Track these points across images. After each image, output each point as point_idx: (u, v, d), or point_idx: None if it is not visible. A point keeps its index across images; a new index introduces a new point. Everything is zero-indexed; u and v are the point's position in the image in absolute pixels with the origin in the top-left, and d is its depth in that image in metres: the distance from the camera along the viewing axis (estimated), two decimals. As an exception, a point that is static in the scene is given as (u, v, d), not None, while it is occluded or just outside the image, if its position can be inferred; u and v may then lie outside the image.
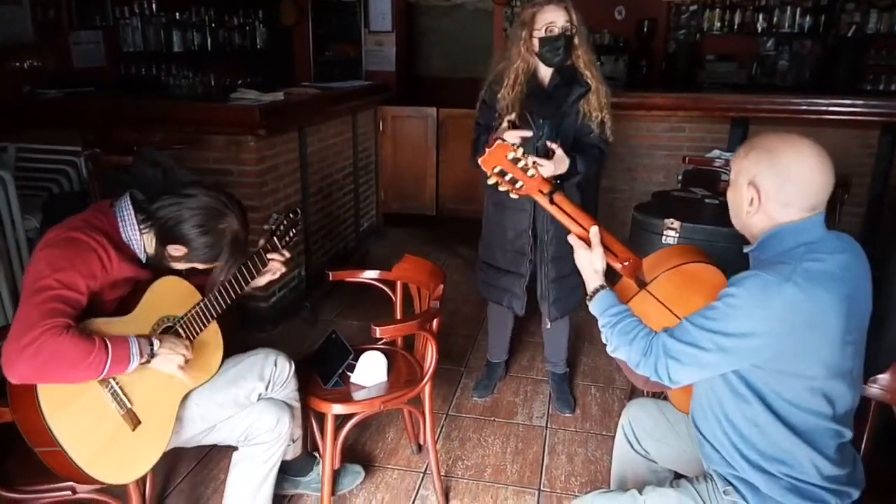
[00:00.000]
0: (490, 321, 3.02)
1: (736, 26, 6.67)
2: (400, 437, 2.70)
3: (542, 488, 2.43)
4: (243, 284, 1.91)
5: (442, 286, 2.20)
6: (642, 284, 1.61)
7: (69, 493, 1.70)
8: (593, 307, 1.59)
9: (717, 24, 6.69)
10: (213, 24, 5.68)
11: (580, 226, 1.61)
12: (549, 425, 2.81)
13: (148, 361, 1.65)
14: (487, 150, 1.57)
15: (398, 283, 2.43)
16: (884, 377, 1.68)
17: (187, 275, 1.84)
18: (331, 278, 2.45)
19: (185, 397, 1.82)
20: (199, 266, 1.80)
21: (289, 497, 2.32)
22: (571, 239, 1.61)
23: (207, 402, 1.87)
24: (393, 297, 2.44)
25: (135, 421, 1.67)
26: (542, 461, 2.58)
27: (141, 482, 1.84)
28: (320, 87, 4.58)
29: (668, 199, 3.13)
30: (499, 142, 1.58)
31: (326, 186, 4.30)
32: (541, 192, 1.61)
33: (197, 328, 1.83)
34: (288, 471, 2.24)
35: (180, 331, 1.79)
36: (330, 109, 4.27)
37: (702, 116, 4.35)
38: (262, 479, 1.98)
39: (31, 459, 1.59)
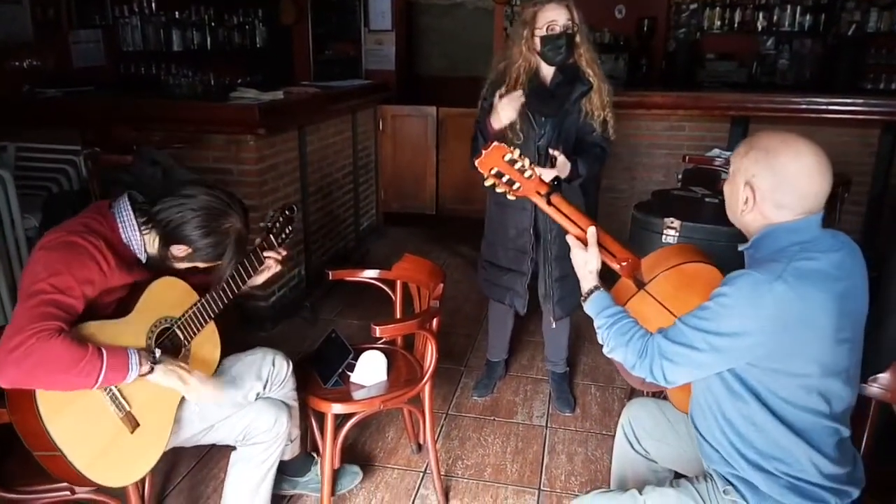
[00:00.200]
0: (490, 320, 3.01)
1: (736, 25, 6.67)
2: (400, 436, 2.70)
3: (542, 488, 2.43)
4: (240, 283, 1.90)
5: (442, 285, 2.20)
6: (640, 284, 1.61)
7: (68, 493, 1.69)
8: (588, 308, 1.59)
9: (718, 23, 6.69)
10: (213, 24, 5.67)
11: (578, 226, 1.61)
12: (549, 425, 2.81)
13: (150, 372, 1.63)
14: (484, 151, 1.57)
15: (398, 283, 2.42)
16: (884, 376, 1.68)
17: (186, 274, 1.83)
18: (330, 277, 2.44)
19: (184, 398, 1.81)
20: (202, 265, 1.79)
21: (287, 497, 2.32)
22: (569, 239, 1.62)
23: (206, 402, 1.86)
24: (393, 297, 2.44)
25: (133, 423, 1.66)
26: (542, 460, 2.58)
27: (140, 482, 1.84)
28: (320, 86, 4.57)
29: (667, 198, 3.13)
30: (495, 144, 1.57)
31: (326, 185, 4.29)
32: (538, 193, 1.61)
33: (195, 328, 1.82)
34: (286, 471, 2.24)
35: (178, 332, 1.79)
36: (329, 108, 4.26)
37: (702, 115, 4.34)
38: (261, 479, 1.98)
39: (30, 460, 1.59)
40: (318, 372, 2.19)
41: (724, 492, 1.47)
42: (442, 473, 2.39)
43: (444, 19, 7.52)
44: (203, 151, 3.45)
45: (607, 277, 1.62)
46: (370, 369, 2.19)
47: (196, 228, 1.68)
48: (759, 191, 1.39)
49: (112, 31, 4.80)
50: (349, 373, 2.19)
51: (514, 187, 1.60)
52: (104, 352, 1.53)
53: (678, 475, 1.75)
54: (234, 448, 1.99)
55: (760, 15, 6.58)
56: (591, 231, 1.59)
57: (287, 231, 2.08)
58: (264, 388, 2.00)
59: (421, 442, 2.57)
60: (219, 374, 1.92)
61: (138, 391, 1.67)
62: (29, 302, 1.49)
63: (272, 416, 1.95)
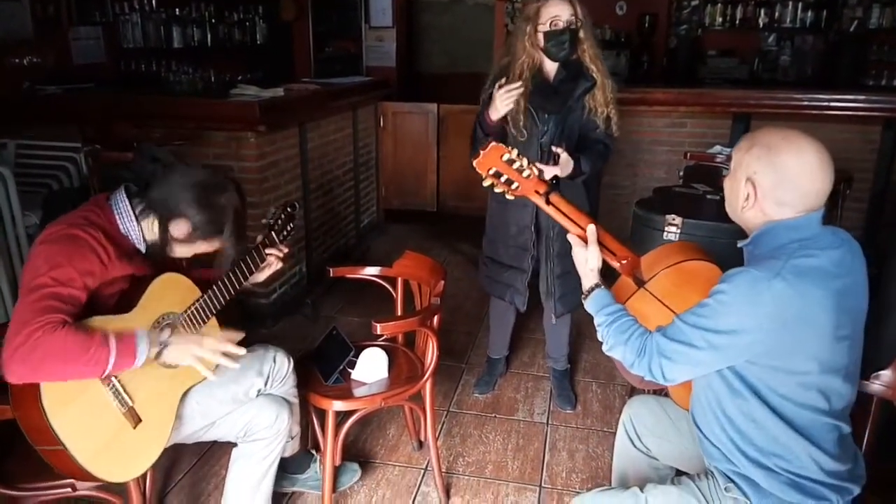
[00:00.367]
0: (491, 317, 3.01)
1: (737, 21, 6.65)
2: (401, 433, 2.70)
3: (543, 485, 2.43)
4: (242, 279, 1.90)
5: (443, 282, 2.19)
6: (640, 283, 1.60)
7: (69, 490, 1.70)
8: (588, 305, 1.59)
9: (719, 20, 6.68)
10: (213, 20, 5.67)
11: (577, 225, 1.60)
12: (550, 422, 2.81)
13: (159, 354, 1.64)
14: (482, 152, 1.57)
15: (399, 280, 2.42)
16: (886, 373, 1.68)
17: (188, 268, 1.83)
18: (331, 275, 2.44)
19: (185, 394, 1.81)
20: (204, 247, 1.77)
21: (288, 495, 2.32)
22: (570, 237, 1.62)
23: (207, 398, 1.86)
24: (394, 294, 2.44)
25: (136, 419, 1.66)
26: (543, 458, 2.58)
27: (141, 479, 1.84)
28: (320, 82, 4.56)
29: (669, 194, 3.12)
30: (493, 144, 1.57)
31: (327, 183, 4.29)
32: (537, 192, 1.61)
33: (197, 324, 1.82)
34: (286, 468, 2.24)
35: (181, 328, 1.79)
36: (330, 105, 4.26)
37: (703, 112, 4.34)
38: (262, 476, 1.98)
39: (32, 457, 1.59)
40: (320, 369, 2.19)
41: (725, 489, 1.47)
42: (443, 470, 2.39)
43: (444, 16, 7.51)
44: (204, 148, 3.45)
45: (608, 275, 1.62)
46: (371, 366, 2.19)
47: (192, 201, 1.68)
48: (761, 188, 1.38)
49: (112, 28, 4.79)
50: (350, 370, 2.19)
51: (513, 187, 1.60)
52: (111, 338, 1.53)
53: (679, 472, 1.76)
54: (234, 445, 1.99)
55: (762, 11, 6.57)
56: (591, 229, 1.59)
57: (288, 228, 2.09)
58: (265, 384, 2.00)
59: (422, 439, 2.57)
60: (219, 371, 1.91)
61: (141, 387, 1.67)
62: (31, 296, 1.50)
63: (273, 413, 1.95)
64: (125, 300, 1.70)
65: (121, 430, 1.64)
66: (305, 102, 3.97)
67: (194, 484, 2.39)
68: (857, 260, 1.41)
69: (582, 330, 3.36)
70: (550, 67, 2.51)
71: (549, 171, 2.30)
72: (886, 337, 2.39)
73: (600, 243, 1.59)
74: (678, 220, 2.66)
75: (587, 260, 1.59)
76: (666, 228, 2.68)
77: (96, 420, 1.59)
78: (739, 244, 1.49)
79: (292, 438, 2.18)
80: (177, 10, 5.25)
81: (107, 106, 3.68)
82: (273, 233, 2.03)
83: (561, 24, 2.40)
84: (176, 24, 5.22)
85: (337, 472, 2.32)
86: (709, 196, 3.00)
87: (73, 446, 1.53)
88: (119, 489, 1.77)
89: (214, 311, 1.87)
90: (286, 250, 2.05)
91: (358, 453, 2.56)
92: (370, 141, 5.05)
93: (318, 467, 2.28)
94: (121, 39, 4.88)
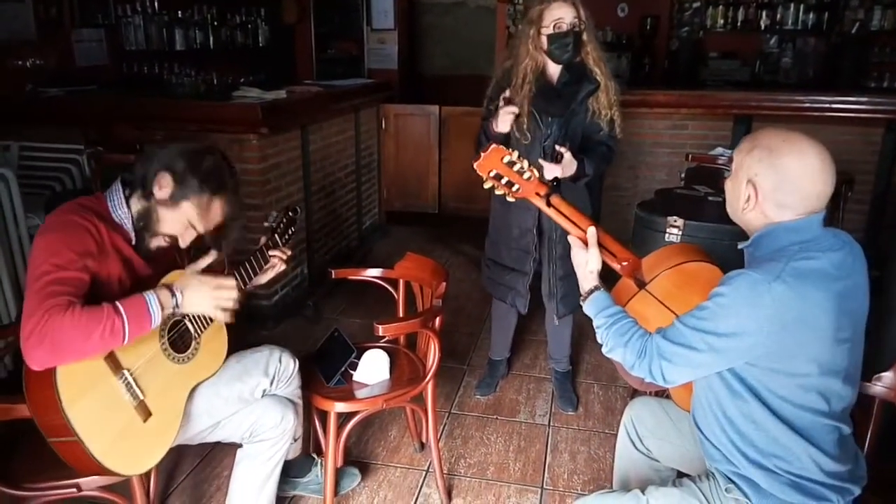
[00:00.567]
0: (493, 319, 3.02)
1: (739, 23, 6.66)
2: (402, 435, 2.70)
3: (544, 486, 2.43)
4: (246, 281, 1.91)
5: (444, 284, 2.20)
6: (641, 284, 1.61)
7: (74, 490, 1.70)
8: (587, 308, 1.59)
9: (721, 22, 6.69)
10: (216, 23, 5.67)
11: (578, 227, 1.61)
12: (551, 423, 2.81)
13: (176, 308, 1.65)
14: (482, 154, 1.57)
15: (401, 282, 2.43)
16: (887, 375, 1.68)
17: (190, 259, 1.82)
18: (333, 276, 2.45)
19: (192, 393, 1.83)
20: (197, 225, 1.73)
21: (289, 498, 2.32)
22: (570, 239, 1.62)
23: (213, 397, 1.87)
24: (395, 296, 2.44)
25: (146, 413, 1.68)
26: (544, 459, 2.58)
27: (145, 479, 1.85)
28: (322, 85, 4.57)
29: (671, 196, 3.13)
30: (493, 146, 1.57)
31: (329, 185, 4.30)
32: (537, 194, 1.61)
33: (205, 322, 1.84)
34: (287, 471, 2.23)
35: (189, 325, 1.80)
36: (332, 107, 4.26)
37: (705, 114, 4.34)
38: (267, 476, 1.99)
39: (37, 457, 1.60)
40: (321, 371, 2.20)
41: (726, 490, 1.48)
42: (445, 472, 2.40)
43: (446, 18, 7.52)
44: (206, 150, 3.45)
45: (608, 278, 1.62)
46: (373, 368, 2.19)
47: (176, 155, 1.69)
48: (762, 190, 1.39)
49: (115, 30, 4.80)
50: (352, 371, 2.19)
51: (514, 189, 1.60)
52: (120, 305, 1.54)
53: (681, 474, 1.76)
54: (238, 446, 2.00)
55: (763, 13, 6.58)
56: (591, 231, 1.59)
57: (290, 231, 2.10)
58: (271, 384, 2.01)
59: (424, 440, 2.57)
60: (225, 370, 1.93)
61: (153, 381, 1.69)
62: (35, 286, 1.51)
63: (279, 413, 1.95)
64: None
65: (131, 423, 1.65)
66: (307, 105, 3.98)
67: (196, 486, 2.39)
68: (859, 262, 1.41)
69: (584, 331, 3.36)
70: (554, 70, 2.51)
71: (550, 171, 2.31)
72: (888, 339, 2.39)
73: (601, 245, 1.59)
74: (680, 221, 2.66)
75: (587, 262, 1.59)
76: (667, 230, 2.68)
77: (109, 413, 1.61)
78: (740, 246, 1.49)
79: (295, 441, 2.18)
80: (179, 12, 5.25)
81: (109, 108, 3.68)
82: (276, 235, 2.04)
83: (564, 27, 2.40)
84: (178, 26, 5.23)
85: (337, 475, 2.32)
86: (710, 198, 3.00)
87: (87, 438, 1.54)
88: (123, 489, 1.78)
89: None
90: (290, 252, 2.06)
91: (359, 455, 2.56)
92: (372, 143, 5.06)
93: (319, 471, 2.29)
94: (123, 41, 4.89)
